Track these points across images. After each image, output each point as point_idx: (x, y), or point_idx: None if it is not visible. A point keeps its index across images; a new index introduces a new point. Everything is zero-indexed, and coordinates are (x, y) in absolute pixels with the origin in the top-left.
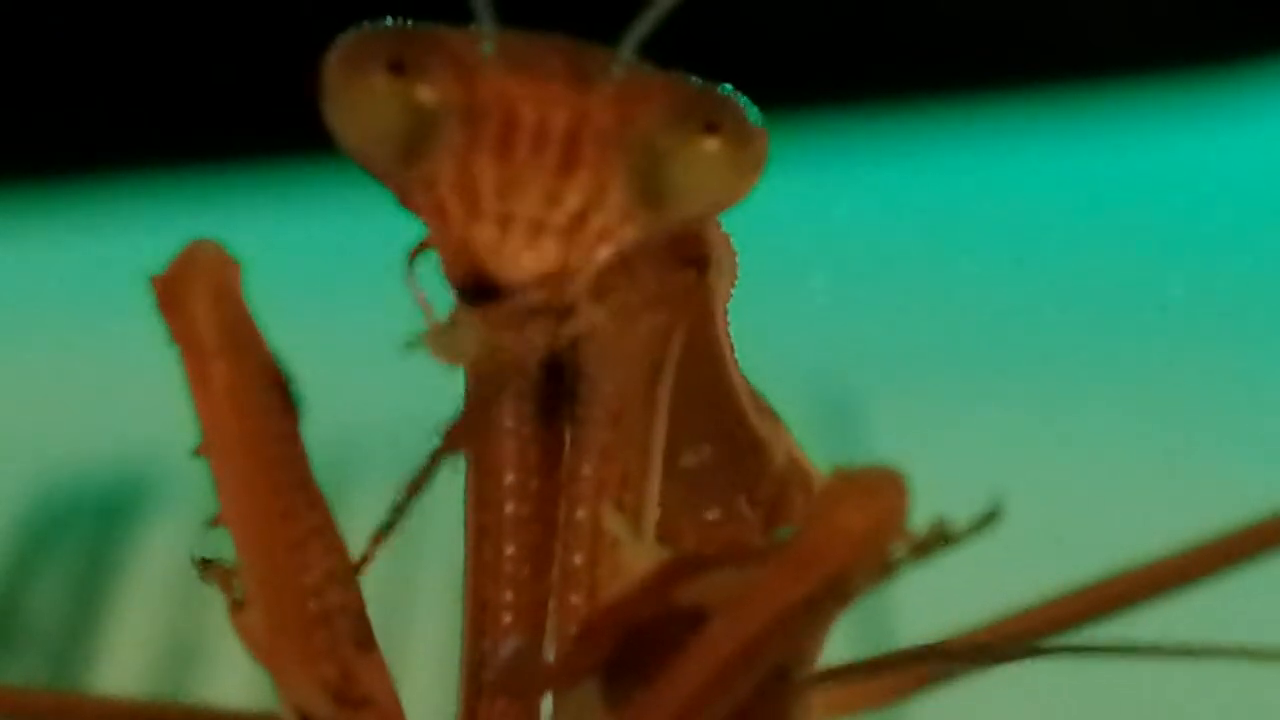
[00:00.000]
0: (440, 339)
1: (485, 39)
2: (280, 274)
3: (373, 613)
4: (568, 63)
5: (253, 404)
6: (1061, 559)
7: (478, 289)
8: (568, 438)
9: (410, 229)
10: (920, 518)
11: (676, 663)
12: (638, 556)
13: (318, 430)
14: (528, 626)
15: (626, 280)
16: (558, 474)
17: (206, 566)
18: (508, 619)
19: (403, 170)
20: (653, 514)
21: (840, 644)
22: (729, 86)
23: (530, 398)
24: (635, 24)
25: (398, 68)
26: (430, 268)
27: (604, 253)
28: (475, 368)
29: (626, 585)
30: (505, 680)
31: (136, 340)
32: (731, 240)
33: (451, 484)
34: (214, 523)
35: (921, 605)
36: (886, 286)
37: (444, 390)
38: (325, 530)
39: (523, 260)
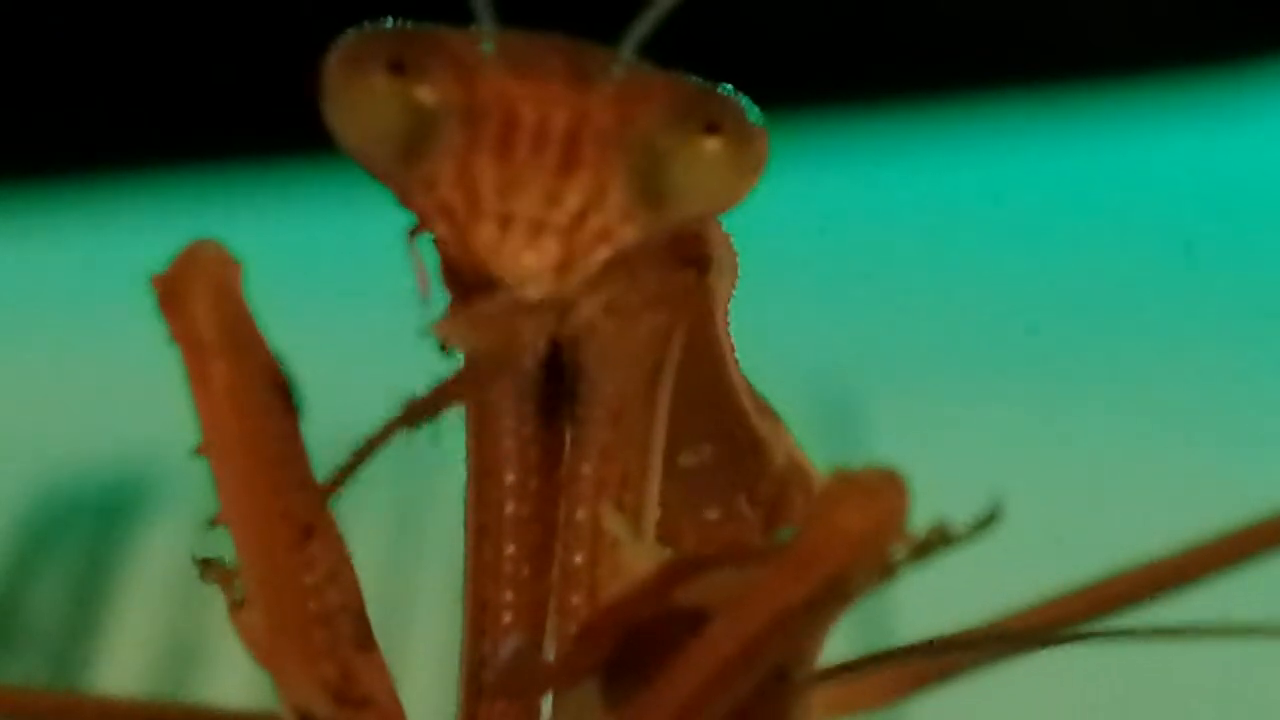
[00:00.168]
0: (448, 328)
1: (485, 39)
2: (280, 274)
3: (373, 613)
4: (568, 63)
5: (253, 404)
6: (1061, 559)
7: (478, 288)
8: (568, 437)
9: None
10: (920, 518)
11: (676, 663)
12: (638, 556)
13: (318, 430)
14: (528, 626)
15: (627, 280)
16: (558, 474)
17: (206, 566)
18: (508, 619)
19: (403, 170)
20: (653, 514)
21: (840, 644)
22: (729, 86)
23: (530, 397)
24: (635, 24)
25: (398, 68)
26: (429, 250)
27: (604, 252)
28: (473, 366)
29: (626, 585)
30: (505, 680)
31: (136, 340)
32: (732, 240)
33: (451, 484)
34: (214, 523)
35: (921, 605)
36: (887, 286)
37: None
38: (325, 530)
39: (523, 259)
